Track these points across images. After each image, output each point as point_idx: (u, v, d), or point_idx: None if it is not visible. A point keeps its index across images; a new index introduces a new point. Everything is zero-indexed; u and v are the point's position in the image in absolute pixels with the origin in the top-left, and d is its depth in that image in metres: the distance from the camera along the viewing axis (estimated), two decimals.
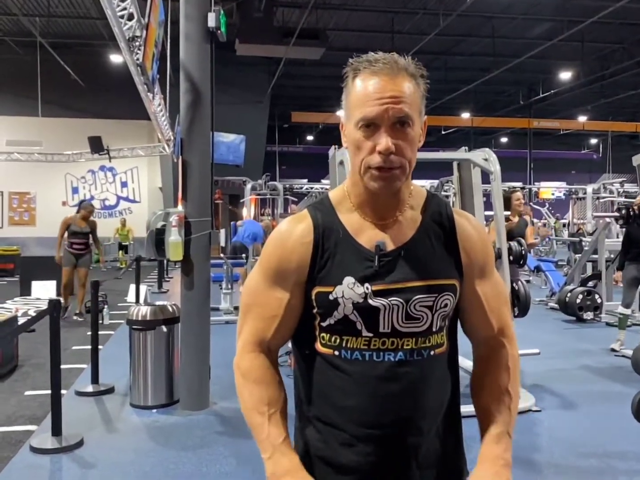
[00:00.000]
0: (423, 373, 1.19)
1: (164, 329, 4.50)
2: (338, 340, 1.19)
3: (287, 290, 1.21)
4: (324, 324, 1.19)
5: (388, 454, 1.18)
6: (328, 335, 1.20)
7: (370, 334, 1.17)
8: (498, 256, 4.64)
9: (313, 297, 1.19)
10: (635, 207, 6.10)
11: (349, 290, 1.16)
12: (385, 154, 1.11)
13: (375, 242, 1.18)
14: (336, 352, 1.19)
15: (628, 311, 6.26)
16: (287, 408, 1.25)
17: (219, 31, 4.43)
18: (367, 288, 1.16)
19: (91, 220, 8.39)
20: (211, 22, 4.37)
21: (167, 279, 13.03)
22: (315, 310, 1.20)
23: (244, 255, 9.14)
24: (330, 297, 1.16)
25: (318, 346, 1.21)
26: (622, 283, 6.59)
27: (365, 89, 1.13)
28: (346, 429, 1.19)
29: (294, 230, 1.22)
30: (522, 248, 4.73)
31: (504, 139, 30.61)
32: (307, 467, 1.23)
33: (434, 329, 1.20)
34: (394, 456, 1.18)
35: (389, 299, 1.16)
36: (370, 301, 1.16)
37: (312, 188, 19.60)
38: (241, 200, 13.49)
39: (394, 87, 1.11)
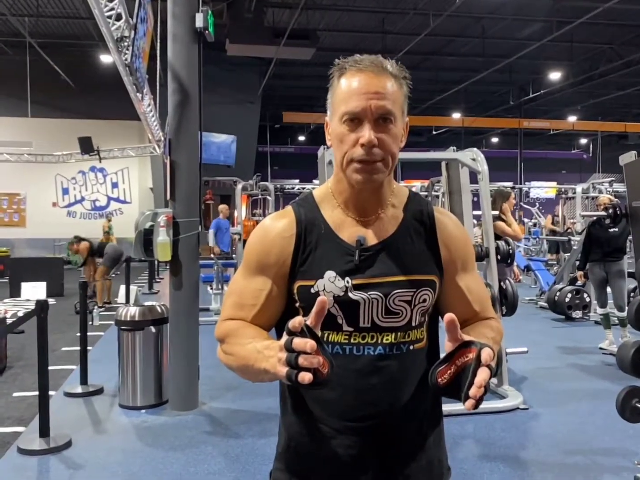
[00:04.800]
0: (402, 367, 1.21)
1: (153, 329, 4.50)
2: (319, 335, 1.20)
3: (267, 281, 1.23)
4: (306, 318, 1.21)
5: (368, 447, 1.20)
6: None
7: (351, 329, 1.19)
8: (486, 255, 4.67)
9: (295, 290, 1.21)
10: (614, 208, 6.11)
11: (329, 283, 1.18)
12: (368, 146, 1.13)
13: (356, 237, 1.20)
14: None
15: (606, 310, 6.33)
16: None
17: (206, 31, 4.43)
18: (348, 282, 1.18)
19: None
20: (199, 22, 4.37)
21: (158, 280, 13.00)
22: (297, 304, 1.21)
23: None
24: (312, 291, 1.18)
25: None
26: (592, 285, 6.69)
27: (351, 84, 1.15)
28: (327, 421, 1.21)
29: (276, 225, 1.24)
30: (510, 247, 4.76)
31: (494, 139, 30.68)
32: (289, 459, 1.26)
33: (413, 324, 1.22)
34: (375, 448, 1.20)
35: (369, 293, 1.18)
36: (350, 294, 1.17)
37: (303, 188, 19.57)
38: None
39: (379, 83, 1.14)
